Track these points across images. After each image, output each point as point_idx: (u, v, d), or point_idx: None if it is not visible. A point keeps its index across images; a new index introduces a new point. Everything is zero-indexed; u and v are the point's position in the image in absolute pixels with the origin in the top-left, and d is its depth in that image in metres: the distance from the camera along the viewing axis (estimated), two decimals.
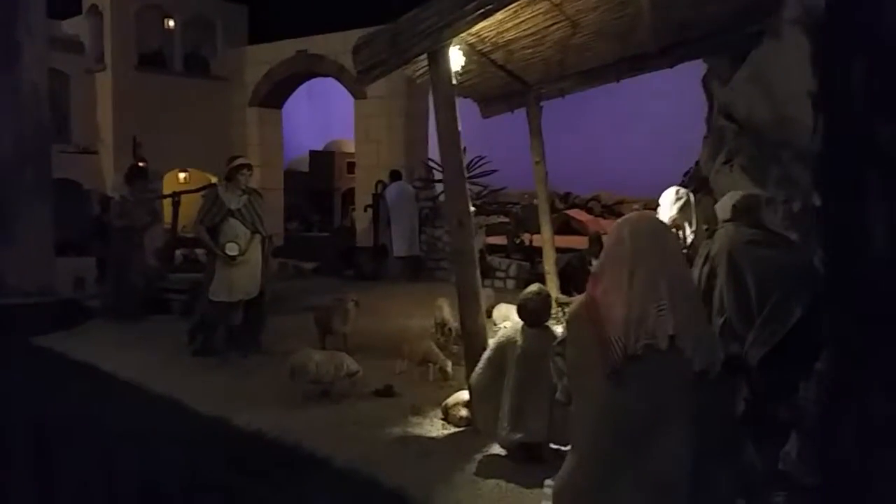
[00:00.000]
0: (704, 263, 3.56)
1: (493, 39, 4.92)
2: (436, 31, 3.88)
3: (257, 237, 5.96)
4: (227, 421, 4.29)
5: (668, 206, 5.19)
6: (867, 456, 2.38)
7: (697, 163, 9.75)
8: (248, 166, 5.92)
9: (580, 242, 11.51)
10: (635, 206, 19.87)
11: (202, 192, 13.40)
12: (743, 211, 3.59)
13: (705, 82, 9.85)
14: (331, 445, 3.94)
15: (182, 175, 14.12)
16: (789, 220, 5.83)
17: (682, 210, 5.24)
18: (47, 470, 4.62)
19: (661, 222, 3.01)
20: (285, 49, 13.50)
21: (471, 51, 4.93)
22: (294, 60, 13.41)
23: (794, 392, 3.22)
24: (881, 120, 2.08)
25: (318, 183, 18.23)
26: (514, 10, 4.29)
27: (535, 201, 14.76)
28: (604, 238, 9.77)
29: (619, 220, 2.77)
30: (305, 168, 18.46)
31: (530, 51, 5.50)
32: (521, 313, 3.79)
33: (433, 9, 3.86)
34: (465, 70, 4.85)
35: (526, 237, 11.62)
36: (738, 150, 7.81)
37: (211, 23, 14.23)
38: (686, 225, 5.01)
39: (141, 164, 11.80)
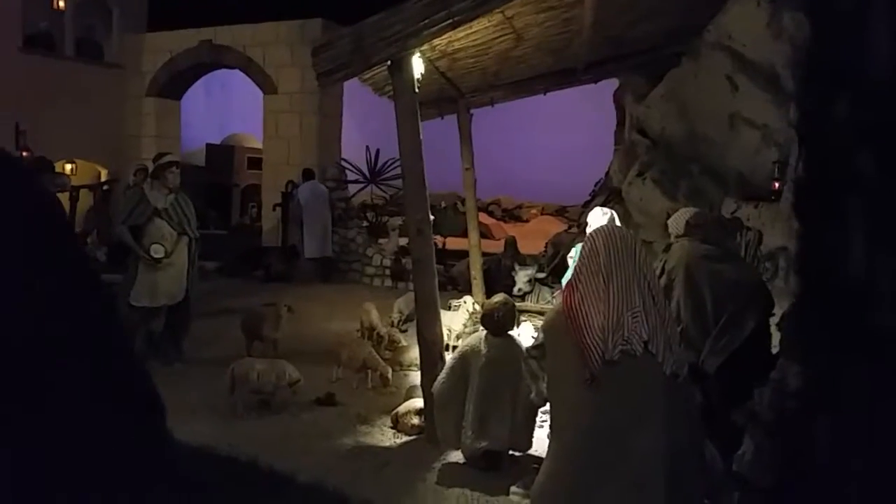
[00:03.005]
0: (660, 276, 3.73)
1: (443, 47, 4.93)
2: (402, 39, 3.84)
3: (184, 239, 5.65)
4: None
5: (597, 224, 5.37)
6: (834, 461, 2.59)
7: (608, 174, 10.20)
8: (177, 164, 5.61)
9: (486, 246, 11.73)
10: (533, 211, 20.55)
11: (93, 187, 12.69)
12: (695, 227, 3.79)
13: (616, 97, 10.33)
14: (286, 460, 3.82)
15: (69, 166, 13.11)
16: None
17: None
18: None
19: (632, 234, 3.14)
20: (188, 38, 12.83)
21: (420, 55, 4.92)
22: (198, 50, 12.77)
23: (749, 398, 3.45)
24: (863, 153, 2.27)
25: (215, 178, 17.47)
26: None
27: (444, 204, 14.92)
28: (518, 243, 10.05)
29: (591, 232, 2.88)
30: (201, 162, 17.65)
31: (473, 60, 5.56)
32: (485, 322, 3.83)
33: (400, 16, 3.82)
34: None
35: (439, 240, 11.70)
36: (650, 163, 8.25)
37: (106, 5, 13.28)
38: None
39: (24, 153, 10.87)
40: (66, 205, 8.92)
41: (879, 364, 2.41)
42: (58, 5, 12.44)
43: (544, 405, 3.04)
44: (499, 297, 3.88)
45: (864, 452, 2.43)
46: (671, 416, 2.61)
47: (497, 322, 3.78)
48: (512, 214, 19.94)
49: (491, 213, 19.33)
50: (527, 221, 18.85)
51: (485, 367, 3.71)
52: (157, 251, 5.43)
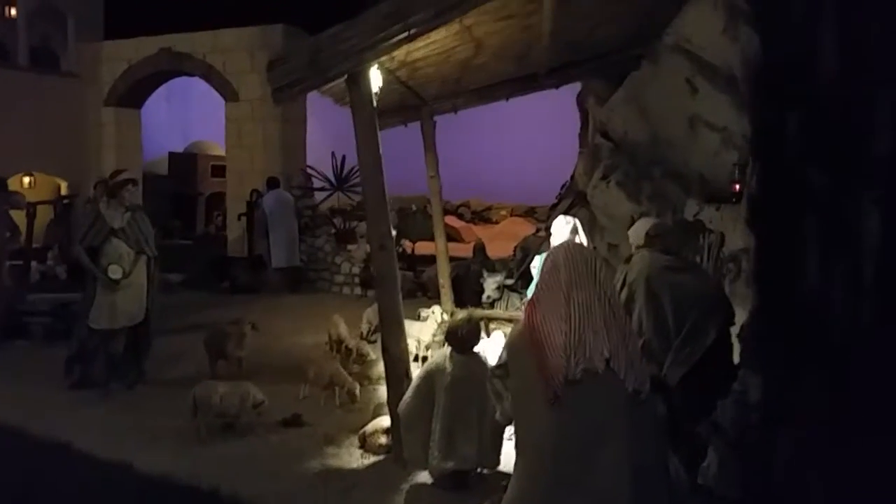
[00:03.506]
0: (621, 289, 3.72)
1: (402, 57, 4.87)
2: (358, 53, 3.78)
3: (143, 257, 5.52)
4: (129, 466, 3.94)
5: (561, 233, 5.35)
6: (794, 473, 2.60)
7: (573, 177, 10.22)
8: (133, 181, 5.48)
9: (455, 249, 11.69)
10: (503, 213, 20.61)
11: (53, 202, 12.35)
12: (655, 237, 3.79)
13: (579, 100, 10.35)
14: (250, 486, 3.74)
15: (27, 180, 12.80)
16: None
17: (573, 234, 5.46)
18: None
19: (593, 251, 3.13)
20: (147, 46, 12.59)
21: (378, 67, 4.86)
22: (157, 58, 12.53)
23: (712, 409, 3.46)
24: (815, 168, 2.28)
25: (178, 187, 17.19)
26: None
27: (414, 207, 14.86)
28: (487, 246, 10.03)
29: (552, 249, 2.86)
30: (164, 171, 17.37)
31: (433, 69, 5.51)
32: (450, 340, 3.79)
33: (356, 29, 3.75)
34: None
35: (408, 245, 11.61)
36: (613, 166, 8.28)
37: (61, 14, 12.97)
38: None
39: None
40: (23, 222, 8.64)
41: (833, 375, 2.43)
42: (9, 13, 12.11)
43: (509, 424, 3.01)
44: (463, 315, 3.84)
45: (821, 463, 2.44)
46: (635, 431, 2.60)
47: (461, 339, 3.74)
48: (481, 216, 19.98)
49: (461, 216, 19.33)
50: (496, 223, 18.89)
51: (450, 386, 3.67)
52: (114, 272, 5.30)
